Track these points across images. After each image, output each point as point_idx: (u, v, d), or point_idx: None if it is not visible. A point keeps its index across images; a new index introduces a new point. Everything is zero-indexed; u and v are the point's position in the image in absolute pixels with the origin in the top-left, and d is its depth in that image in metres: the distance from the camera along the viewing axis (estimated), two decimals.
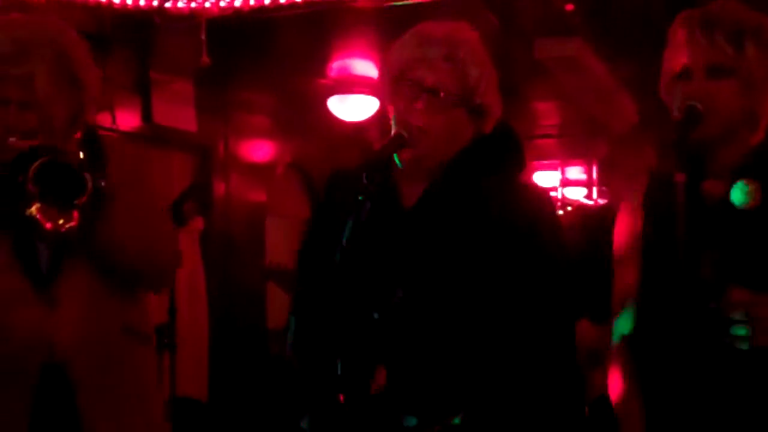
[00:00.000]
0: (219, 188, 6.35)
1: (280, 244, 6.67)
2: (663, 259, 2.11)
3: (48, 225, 2.10)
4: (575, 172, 9.96)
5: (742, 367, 2.03)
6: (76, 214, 2.10)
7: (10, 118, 2.21)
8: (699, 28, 2.07)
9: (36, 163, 2.10)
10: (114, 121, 5.23)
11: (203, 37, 4.51)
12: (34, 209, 2.09)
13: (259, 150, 6.85)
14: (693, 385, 2.04)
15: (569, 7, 4.70)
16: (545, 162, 9.74)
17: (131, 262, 2.27)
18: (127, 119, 5.40)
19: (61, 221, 2.10)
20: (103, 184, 2.12)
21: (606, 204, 4.02)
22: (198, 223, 5.87)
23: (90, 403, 2.24)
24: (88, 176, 2.10)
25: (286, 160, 6.90)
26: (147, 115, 5.59)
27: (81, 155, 2.16)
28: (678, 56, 2.08)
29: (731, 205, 2.06)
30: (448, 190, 2.17)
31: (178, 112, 5.82)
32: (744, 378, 2.04)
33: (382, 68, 2.24)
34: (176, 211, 4.53)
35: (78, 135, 2.32)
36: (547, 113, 8.21)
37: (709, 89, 2.05)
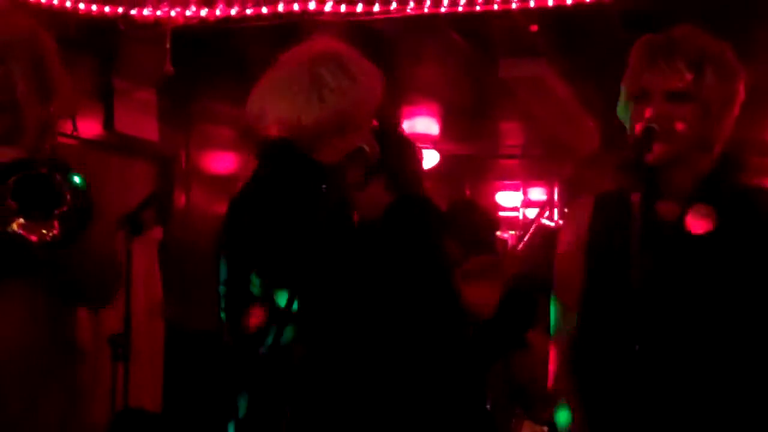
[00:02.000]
0: (179, 199, 6.31)
1: None
2: (610, 280, 2.12)
3: (33, 238, 2.04)
4: (537, 193, 10.02)
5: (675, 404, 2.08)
6: (56, 223, 2.03)
7: None
8: (660, 53, 2.11)
9: (14, 177, 2.03)
10: (75, 128, 5.16)
11: (168, 45, 4.49)
12: (15, 225, 2.05)
13: (222, 162, 6.81)
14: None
15: (534, 27, 4.73)
16: (507, 182, 9.78)
17: (83, 276, 2.23)
18: (89, 127, 5.35)
19: (44, 231, 2.03)
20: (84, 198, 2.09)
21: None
22: (156, 233, 5.82)
23: (14, 417, 2.17)
24: (65, 186, 2.06)
25: (248, 172, 6.86)
26: (109, 123, 5.54)
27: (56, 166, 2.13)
28: (638, 78, 2.11)
29: (684, 228, 2.09)
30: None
31: (140, 121, 5.78)
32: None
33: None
34: (134, 220, 4.49)
35: (48, 145, 2.28)
36: (510, 133, 8.26)
37: (667, 112, 2.07)
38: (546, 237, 4.12)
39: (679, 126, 2.08)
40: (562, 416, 2.21)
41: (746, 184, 2.26)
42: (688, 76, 2.08)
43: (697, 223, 2.09)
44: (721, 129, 2.16)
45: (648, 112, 2.07)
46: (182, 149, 6.34)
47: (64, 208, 2.03)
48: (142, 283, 5.53)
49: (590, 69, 5.50)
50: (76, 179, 2.07)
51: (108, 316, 4.89)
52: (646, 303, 2.03)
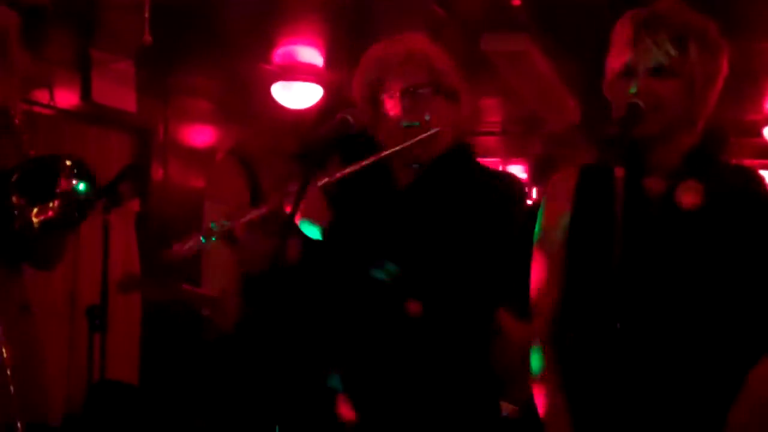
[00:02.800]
0: (157, 171, 6.27)
1: None
2: (594, 255, 2.12)
3: (50, 213, 2.15)
4: (517, 170, 10.02)
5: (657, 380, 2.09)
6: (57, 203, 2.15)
7: None
8: (644, 28, 2.10)
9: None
10: (52, 98, 5.14)
11: (147, 15, 4.44)
12: (34, 218, 2.13)
13: (200, 134, 6.78)
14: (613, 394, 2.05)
15: (516, 2, 4.71)
16: (487, 159, 9.77)
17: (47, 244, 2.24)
18: (66, 97, 5.30)
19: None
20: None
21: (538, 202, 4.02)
22: (134, 205, 5.79)
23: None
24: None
25: (226, 146, 6.83)
26: (86, 94, 5.49)
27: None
28: (622, 54, 2.11)
29: (673, 204, 2.10)
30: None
31: (118, 92, 5.73)
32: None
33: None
34: (112, 192, 4.45)
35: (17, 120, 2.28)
36: (490, 110, 8.23)
37: (651, 88, 2.07)
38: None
39: (664, 102, 2.08)
40: (535, 361, 2.23)
41: (728, 162, 2.28)
42: (673, 52, 2.08)
43: (686, 198, 2.10)
44: (705, 105, 2.17)
45: (633, 88, 2.07)
46: (160, 121, 6.30)
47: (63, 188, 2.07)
48: (119, 254, 5.51)
49: (573, 46, 5.49)
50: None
51: (85, 287, 4.87)
52: (631, 279, 2.03)
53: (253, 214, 2.19)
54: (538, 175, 3.75)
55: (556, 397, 2.18)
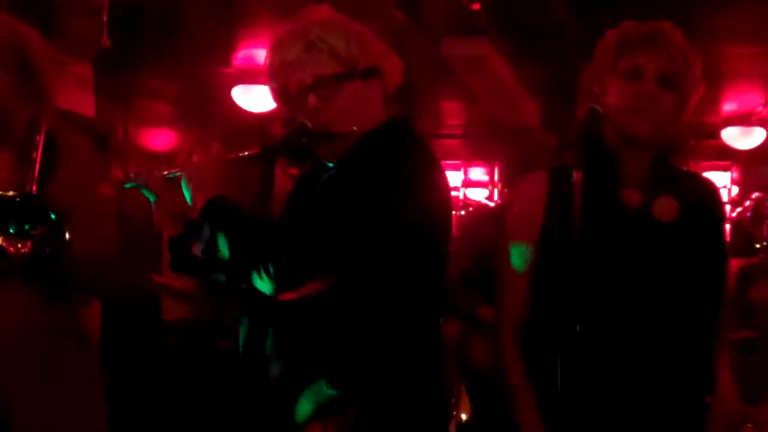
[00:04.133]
0: (116, 176, 6.22)
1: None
2: (564, 260, 2.13)
3: (11, 249, 2.05)
4: (478, 173, 10.06)
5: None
6: (29, 243, 2.05)
7: None
8: (656, 38, 2.19)
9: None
10: None
11: (105, 18, 4.40)
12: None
13: (160, 138, 6.74)
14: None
15: (476, 6, 4.73)
16: (448, 162, 9.81)
17: (82, 271, 2.20)
18: None
19: (19, 245, 2.05)
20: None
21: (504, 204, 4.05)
22: None
23: (19, 407, 2.16)
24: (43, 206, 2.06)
25: (186, 148, 6.80)
26: None
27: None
28: (634, 57, 2.17)
29: (650, 217, 2.17)
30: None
31: (76, 96, 5.68)
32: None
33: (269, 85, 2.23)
34: None
35: (39, 139, 2.22)
36: (451, 113, 8.28)
37: (656, 94, 2.16)
38: (489, 216, 4.14)
39: (662, 110, 2.17)
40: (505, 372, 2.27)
41: (687, 172, 2.37)
42: (680, 65, 2.18)
43: (663, 214, 2.16)
44: (685, 120, 2.26)
45: (640, 91, 2.15)
46: (119, 125, 6.25)
47: (41, 229, 2.03)
48: None
49: (532, 49, 5.53)
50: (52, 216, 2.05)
51: None
52: (609, 286, 2.12)
53: (165, 170, 2.17)
54: (510, 176, 3.76)
55: (528, 403, 2.21)
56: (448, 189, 2.19)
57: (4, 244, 2.05)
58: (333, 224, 1.96)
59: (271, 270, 1.94)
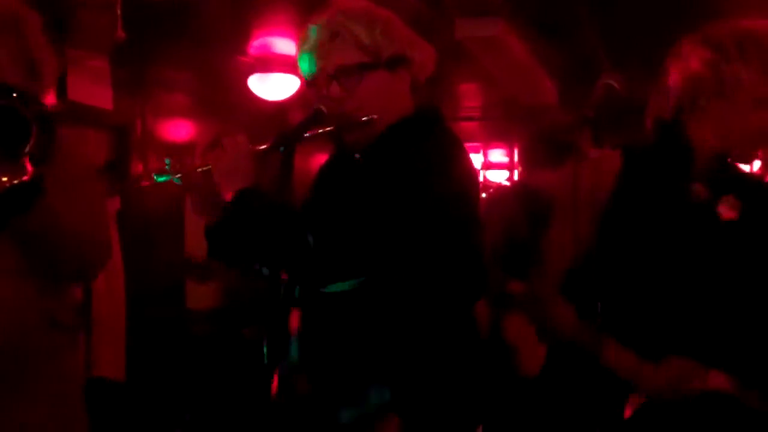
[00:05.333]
0: (136, 168, 6.25)
1: (201, 225, 6.58)
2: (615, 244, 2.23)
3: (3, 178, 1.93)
4: (497, 155, 10.03)
5: None
6: (28, 166, 1.93)
7: None
8: None
9: None
10: None
11: (119, 11, 4.42)
12: None
13: (178, 129, 6.76)
14: None
15: None
16: (467, 144, 9.75)
17: (68, 247, 2.16)
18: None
19: (5, 178, 1.92)
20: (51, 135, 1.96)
21: (525, 183, 4.04)
22: (114, 203, 5.77)
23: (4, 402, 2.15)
24: (36, 124, 1.94)
25: (205, 139, 6.81)
26: (62, 93, 5.46)
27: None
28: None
29: (714, 214, 2.23)
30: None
31: (94, 90, 5.70)
32: None
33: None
34: None
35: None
36: (469, 95, 8.24)
37: None
38: (511, 195, 4.14)
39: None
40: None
41: (748, 172, 2.50)
42: None
43: (727, 210, 2.23)
44: None
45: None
46: (137, 117, 6.27)
47: (31, 146, 1.92)
48: None
49: (548, 28, 5.50)
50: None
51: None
52: (666, 274, 2.19)
53: (197, 161, 2.17)
54: (531, 155, 3.75)
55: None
56: (477, 181, 2.19)
57: None
58: (365, 217, 1.96)
59: (303, 260, 1.95)
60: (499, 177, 9.82)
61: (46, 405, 2.22)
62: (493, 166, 9.99)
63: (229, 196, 2.05)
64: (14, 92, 1.97)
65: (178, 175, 2.17)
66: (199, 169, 2.13)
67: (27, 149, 1.93)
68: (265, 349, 2.16)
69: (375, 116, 2.10)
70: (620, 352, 2.20)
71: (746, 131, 2.22)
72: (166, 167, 2.19)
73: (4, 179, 1.93)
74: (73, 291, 2.34)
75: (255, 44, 6.07)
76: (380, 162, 2.05)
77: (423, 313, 2.03)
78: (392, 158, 2.03)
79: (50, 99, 5.27)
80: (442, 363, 2.06)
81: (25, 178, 1.93)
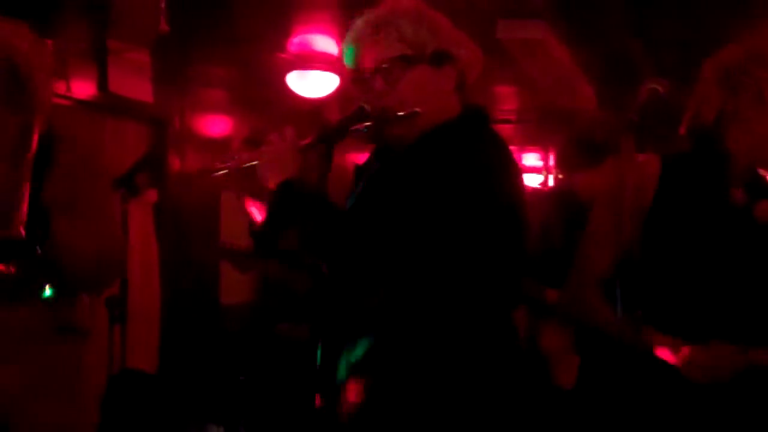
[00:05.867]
0: (174, 161, 6.28)
1: (236, 220, 6.61)
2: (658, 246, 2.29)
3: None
4: (531, 159, 9.98)
5: None
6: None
7: None
8: None
9: None
10: (69, 88, 5.15)
11: (163, 4, 4.44)
12: None
13: (216, 124, 6.78)
14: None
15: None
16: None
17: (81, 267, 2.19)
18: (83, 87, 5.31)
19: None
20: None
21: (561, 187, 4.01)
22: (151, 196, 5.80)
23: (15, 396, 2.18)
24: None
25: (242, 135, 6.84)
26: (103, 84, 5.50)
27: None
28: None
29: (752, 216, 2.29)
30: None
31: (134, 82, 5.73)
32: None
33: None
34: (129, 182, 4.46)
35: (30, 155, 2.15)
36: (505, 98, 8.21)
37: None
38: (546, 200, 4.11)
39: None
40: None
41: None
42: None
43: (765, 215, 2.29)
44: None
45: None
46: (176, 111, 6.30)
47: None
48: (138, 244, 5.52)
49: (590, 32, 5.47)
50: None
51: None
52: (707, 276, 2.26)
53: (248, 157, 2.17)
54: (570, 158, 3.74)
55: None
56: (524, 184, 2.18)
57: None
58: (409, 217, 1.95)
59: (344, 254, 1.95)
60: (534, 181, 9.78)
61: (60, 408, 2.25)
62: (528, 170, 9.95)
63: (272, 187, 2.06)
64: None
65: (229, 170, 2.18)
66: (249, 163, 2.14)
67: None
68: (319, 352, 2.16)
69: (417, 110, 2.09)
70: (662, 337, 2.25)
71: None
72: (218, 163, 2.20)
73: None
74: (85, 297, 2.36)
75: (294, 41, 6.09)
76: (427, 161, 2.04)
77: (464, 318, 2.02)
78: (440, 158, 2.02)
79: (90, 90, 5.33)
80: (483, 370, 2.04)
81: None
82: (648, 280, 2.32)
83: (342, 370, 2.07)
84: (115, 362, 4.33)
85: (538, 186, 9.63)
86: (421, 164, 2.04)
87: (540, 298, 3.41)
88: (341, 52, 2.18)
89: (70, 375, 2.29)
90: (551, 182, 9.61)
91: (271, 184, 2.07)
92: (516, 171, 2.12)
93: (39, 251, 2.06)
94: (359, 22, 2.14)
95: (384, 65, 2.10)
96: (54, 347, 2.26)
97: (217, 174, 2.21)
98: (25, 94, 2.18)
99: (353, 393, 2.03)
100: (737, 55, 2.26)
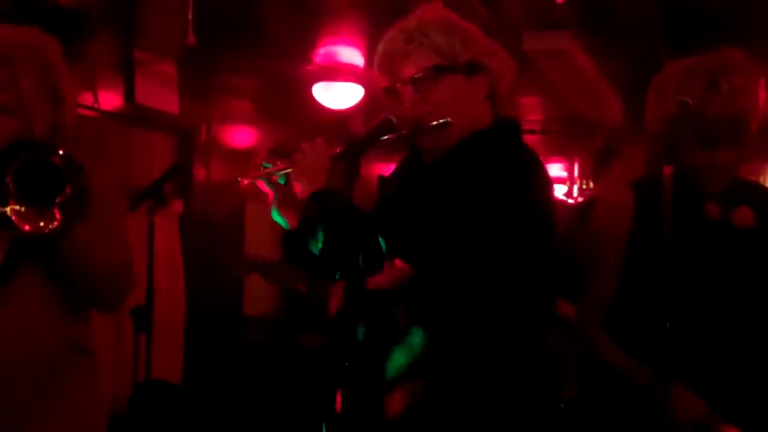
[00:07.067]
0: (199, 172, 6.31)
1: (260, 231, 6.64)
2: (647, 262, 2.33)
3: (26, 227, 2.00)
4: (556, 170, 9.96)
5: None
6: (57, 214, 2.00)
7: None
8: None
9: (18, 161, 2.00)
10: (96, 100, 5.18)
11: (190, 16, 4.46)
12: (8, 210, 1.99)
13: (241, 135, 6.81)
14: None
15: (560, 0, 4.68)
16: None
17: (95, 274, 2.18)
18: (110, 99, 5.34)
19: (42, 223, 1.99)
20: (84, 185, 2.02)
21: (588, 201, 4.01)
22: (177, 206, 5.83)
23: (24, 415, 2.17)
24: (69, 175, 2.01)
25: (268, 146, 6.86)
26: (130, 95, 5.53)
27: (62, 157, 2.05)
28: None
29: (729, 225, 2.36)
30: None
31: (161, 94, 5.77)
32: None
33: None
34: (155, 193, 4.48)
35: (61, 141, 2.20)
36: (530, 108, 8.19)
37: None
38: (568, 214, 4.11)
39: None
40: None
41: (758, 183, 2.60)
42: None
43: (742, 221, 2.37)
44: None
45: None
46: (202, 122, 6.33)
47: (65, 197, 2.00)
48: (163, 255, 5.54)
49: (616, 42, 5.45)
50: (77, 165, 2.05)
51: None
52: (685, 284, 2.27)
53: (281, 165, 2.18)
54: (598, 172, 3.76)
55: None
56: (554, 195, 2.18)
57: (15, 218, 1.99)
58: (443, 226, 1.95)
59: (375, 263, 1.95)
60: (558, 192, 9.76)
61: (70, 427, 2.25)
62: (552, 180, 9.92)
63: (305, 196, 2.07)
64: (57, 150, 2.03)
65: (260, 178, 2.20)
66: (282, 172, 2.16)
67: (59, 200, 2.00)
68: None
69: (449, 119, 2.09)
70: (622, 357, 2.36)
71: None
72: (262, 167, 2.22)
73: (41, 224, 2.00)
74: (92, 316, 2.36)
75: (320, 53, 6.10)
76: (461, 171, 2.04)
77: (501, 324, 2.03)
78: (474, 168, 2.02)
79: (117, 101, 5.36)
80: (521, 376, 2.05)
81: (55, 224, 1.99)
82: (630, 306, 2.40)
83: (390, 373, 2.06)
84: (140, 372, 4.34)
85: (562, 196, 9.61)
86: (461, 172, 2.04)
87: (553, 309, 3.42)
88: (369, 63, 2.19)
89: (78, 393, 2.30)
90: (575, 192, 9.59)
91: (304, 193, 2.08)
92: (549, 181, 2.12)
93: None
94: (391, 33, 2.15)
95: (416, 76, 2.11)
96: (70, 366, 2.26)
97: (247, 182, 2.23)
98: (55, 90, 2.24)
99: (399, 398, 2.03)
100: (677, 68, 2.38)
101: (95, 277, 2.18)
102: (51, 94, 2.24)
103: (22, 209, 2.00)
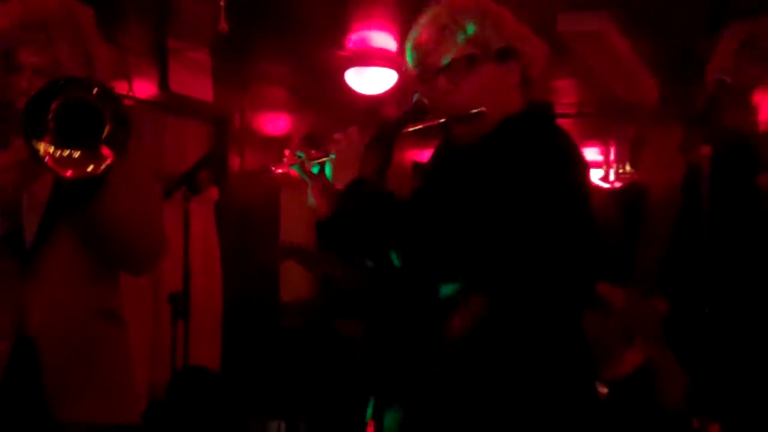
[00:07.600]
0: (234, 159, 6.32)
1: (296, 217, 6.65)
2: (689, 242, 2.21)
3: (68, 173, 2.04)
4: (592, 153, 9.89)
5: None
6: (105, 151, 2.04)
7: (22, 84, 2.18)
8: None
9: (59, 100, 2.04)
10: (131, 88, 5.21)
11: (222, 3, 4.47)
12: (42, 147, 2.02)
13: (275, 122, 6.82)
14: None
15: None
16: None
17: (126, 237, 2.23)
18: (144, 87, 5.37)
19: (91, 167, 2.04)
20: (123, 114, 2.06)
21: (628, 186, 3.98)
22: (213, 193, 5.85)
23: (57, 382, 2.21)
24: (107, 111, 2.05)
25: (302, 132, 6.87)
26: (164, 83, 5.55)
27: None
28: None
29: None
30: None
31: (195, 81, 5.79)
32: None
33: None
34: (191, 180, 4.50)
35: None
36: (564, 91, 8.13)
37: None
38: (606, 198, 4.08)
39: None
40: None
41: None
42: None
43: None
44: None
45: None
46: (236, 110, 6.34)
47: (106, 133, 2.04)
48: (199, 242, 5.57)
49: (652, 23, 5.38)
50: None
51: (168, 274, 4.95)
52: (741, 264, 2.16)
53: (316, 154, 2.19)
54: (634, 155, 3.73)
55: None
56: (590, 178, 2.15)
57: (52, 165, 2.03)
58: (481, 214, 1.93)
59: (411, 252, 1.94)
60: (594, 176, 9.68)
61: (100, 392, 2.29)
62: (588, 164, 9.85)
63: (340, 187, 2.07)
64: (92, 85, 2.07)
65: (295, 166, 2.21)
66: (319, 160, 2.16)
67: (102, 136, 2.05)
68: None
69: (484, 109, 2.07)
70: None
71: None
72: (296, 156, 2.22)
73: (90, 167, 2.05)
74: (120, 283, 2.40)
75: (353, 38, 6.08)
76: (497, 158, 2.01)
77: (543, 312, 2.00)
78: (510, 154, 1.99)
79: (151, 90, 5.39)
80: (564, 365, 2.03)
81: (109, 161, 2.04)
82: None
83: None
84: (178, 359, 4.37)
85: (599, 181, 9.54)
86: (496, 159, 2.01)
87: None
88: (402, 50, 2.17)
89: (111, 357, 2.34)
90: (612, 176, 9.51)
91: (339, 183, 2.08)
92: (586, 165, 2.09)
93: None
94: (422, 21, 2.13)
95: (449, 65, 2.08)
96: (97, 331, 2.30)
97: (281, 171, 2.24)
98: (88, 55, 2.29)
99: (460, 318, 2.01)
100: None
101: (128, 234, 2.23)
102: (85, 58, 2.28)
103: (77, 154, 2.05)
